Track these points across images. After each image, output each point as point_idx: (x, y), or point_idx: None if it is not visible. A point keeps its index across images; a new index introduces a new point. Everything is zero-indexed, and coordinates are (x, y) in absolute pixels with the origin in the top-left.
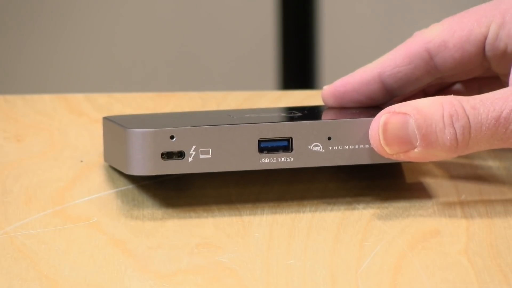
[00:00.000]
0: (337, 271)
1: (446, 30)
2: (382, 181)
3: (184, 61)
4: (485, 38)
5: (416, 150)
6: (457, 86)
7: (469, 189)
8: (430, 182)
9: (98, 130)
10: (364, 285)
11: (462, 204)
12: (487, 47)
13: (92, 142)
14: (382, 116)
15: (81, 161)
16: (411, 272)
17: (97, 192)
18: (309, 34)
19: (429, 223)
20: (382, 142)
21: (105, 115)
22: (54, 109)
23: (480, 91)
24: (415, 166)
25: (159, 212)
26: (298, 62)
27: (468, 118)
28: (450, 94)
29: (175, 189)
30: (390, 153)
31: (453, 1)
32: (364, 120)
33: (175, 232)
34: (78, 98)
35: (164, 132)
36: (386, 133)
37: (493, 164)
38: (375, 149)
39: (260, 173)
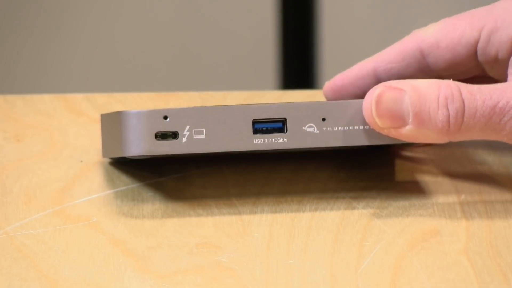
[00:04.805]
0: (337, 271)
1: (440, 30)
2: (382, 181)
3: (184, 60)
4: (477, 42)
5: (407, 127)
6: None
7: (469, 189)
8: (429, 182)
9: (97, 130)
10: (364, 284)
11: (461, 204)
12: (479, 52)
13: (91, 142)
14: (378, 88)
15: (81, 161)
16: (411, 271)
17: (96, 192)
18: (309, 34)
19: (428, 223)
20: (374, 113)
21: None
22: (53, 109)
23: None
24: (415, 166)
25: (159, 212)
26: (298, 62)
27: (463, 102)
28: None
29: (174, 189)
30: (381, 126)
31: (453, 2)
32: (359, 101)
33: (174, 232)
34: (77, 98)
35: (158, 112)
36: (379, 105)
37: (493, 164)
38: (366, 120)
39: (260, 172)
